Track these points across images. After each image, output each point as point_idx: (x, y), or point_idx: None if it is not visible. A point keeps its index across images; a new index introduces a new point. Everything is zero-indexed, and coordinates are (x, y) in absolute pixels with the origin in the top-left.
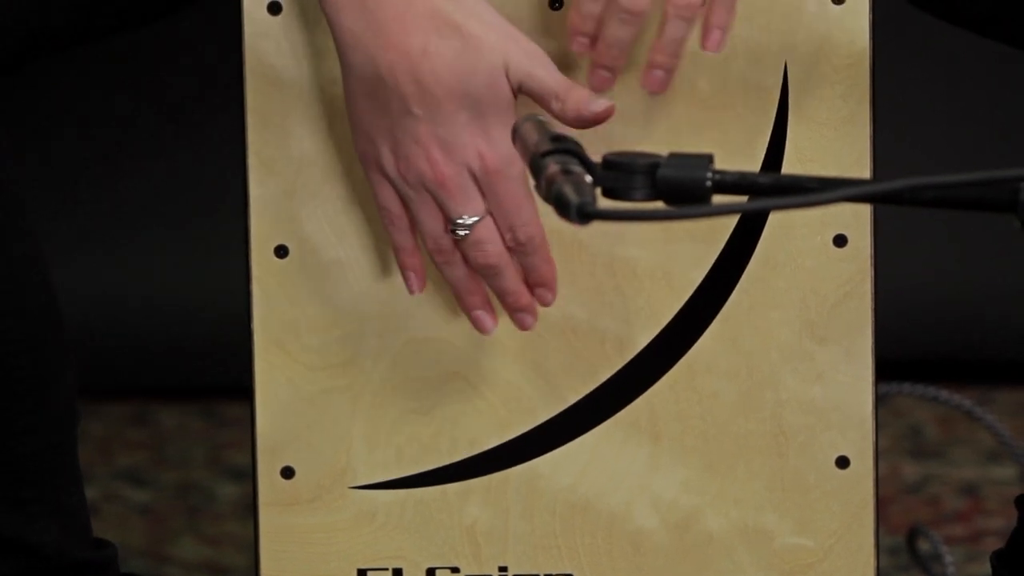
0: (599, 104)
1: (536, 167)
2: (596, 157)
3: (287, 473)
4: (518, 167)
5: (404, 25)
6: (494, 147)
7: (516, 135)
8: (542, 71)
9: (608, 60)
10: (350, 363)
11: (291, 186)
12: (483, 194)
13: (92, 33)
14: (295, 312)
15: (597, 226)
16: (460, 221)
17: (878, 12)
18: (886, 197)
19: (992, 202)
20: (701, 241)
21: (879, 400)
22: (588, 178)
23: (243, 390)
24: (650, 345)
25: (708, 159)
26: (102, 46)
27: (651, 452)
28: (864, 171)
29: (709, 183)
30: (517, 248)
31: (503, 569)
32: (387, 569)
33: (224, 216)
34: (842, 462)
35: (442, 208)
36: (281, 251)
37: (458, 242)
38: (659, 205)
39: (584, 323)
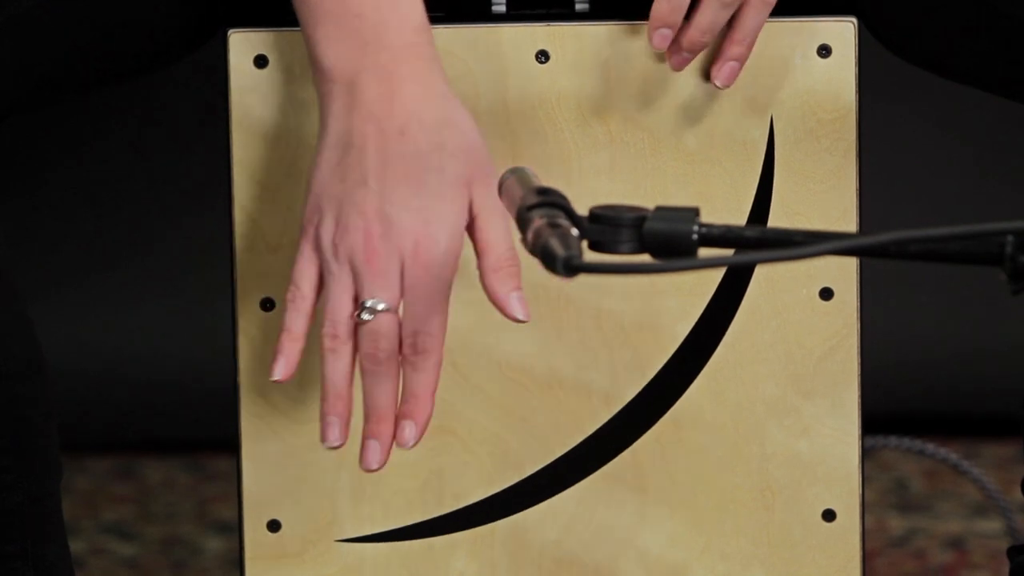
0: (518, 310)
1: (522, 220)
2: (583, 210)
3: (273, 527)
4: (447, 276)
5: (390, 107)
6: (432, 242)
7: (502, 188)
8: (496, 223)
9: (697, 44)
10: None
11: (277, 239)
12: (402, 291)
13: (78, 86)
14: None
15: (583, 279)
16: (370, 304)
17: (864, 65)
18: (872, 250)
19: (978, 255)
20: (687, 294)
21: (865, 454)
22: (574, 231)
23: (229, 443)
24: (636, 398)
25: (694, 212)
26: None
27: (637, 506)
28: (851, 224)
29: (695, 236)
30: (411, 356)
31: None
32: None
33: (210, 269)
34: (828, 515)
35: (358, 287)
36: (267, 304)
37: (357, 326)
38: (645, 258)
39: (570, 377)
